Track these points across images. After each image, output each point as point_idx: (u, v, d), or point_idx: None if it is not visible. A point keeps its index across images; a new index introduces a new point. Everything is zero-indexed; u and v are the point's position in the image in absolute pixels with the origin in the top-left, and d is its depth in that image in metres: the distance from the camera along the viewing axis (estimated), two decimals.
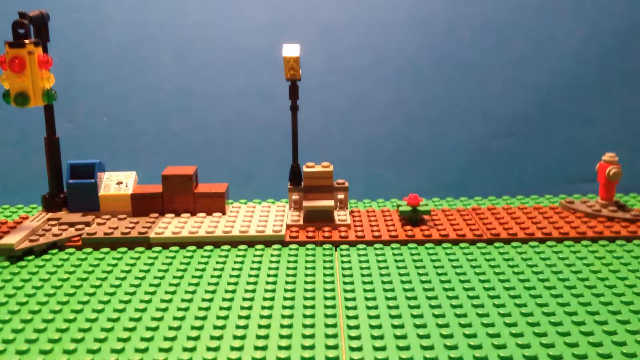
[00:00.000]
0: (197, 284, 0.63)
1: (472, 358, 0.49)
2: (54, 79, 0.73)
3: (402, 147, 1.18)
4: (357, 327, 0.54)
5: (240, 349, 0.51)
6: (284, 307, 0.57)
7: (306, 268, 0.66)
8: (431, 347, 0.50)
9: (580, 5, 1.15)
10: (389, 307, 0.57)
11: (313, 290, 0.61)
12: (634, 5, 1.15)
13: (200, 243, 0.73)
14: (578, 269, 0.65)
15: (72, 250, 0.72)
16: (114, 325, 0.55)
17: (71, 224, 0.77)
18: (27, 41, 0.70)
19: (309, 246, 0.73)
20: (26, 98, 0.70)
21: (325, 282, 0.63)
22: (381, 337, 0.52)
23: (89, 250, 0.72)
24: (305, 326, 0.54)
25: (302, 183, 0.81)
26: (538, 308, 0.57)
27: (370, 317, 0.55)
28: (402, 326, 0.53)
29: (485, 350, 0.50)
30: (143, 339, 0.52)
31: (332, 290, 0.61)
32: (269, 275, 0.65)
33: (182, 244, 0.73)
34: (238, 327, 0.54)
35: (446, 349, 0.50)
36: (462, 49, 1.16)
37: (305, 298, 0.59)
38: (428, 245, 0.73)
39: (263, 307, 0.57)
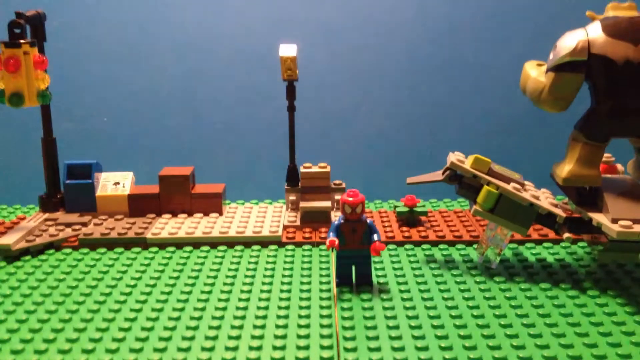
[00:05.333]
0: (193, 285, 0.63)
1: (467, 359, 0.49)
2: (49, 80, 0.73)
3: (400, 147, 1.18)
4: (352, 327, 0.54)
5: (235, 349, 0.51)
6: (280, 308, 0.57)
7: (302, 269, 0.66)
8: (426, 348, 0.50)
9: (580, 4, 1.15)
10: (385, 308, 0.57)
11: (309, 290, 0.61)
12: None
13: (196, 244, 0.73)
14: (574, 271, 0.65)
15: (68, 250, 0.72)
16: (109, 326, 0.55)
17: (68, 225, 0.77)
18: (22, 41, 0.70)
19: (306, 247, 0.72)
20: (21, 98, 0.70)
21: (321, 283, 0.63)
22: (376, 338, 0.52)
23: (85, 250, 0.72)
24: (300, 326, 0.54)
25: (300, 184, 0.81)
26: (534, 309, 0.57)
27: (365, 318, 0.55)
28: (397, 327, 0.53)
29: (480, 352, 0.50)
30: (138, 339, 0.52)
31: (328, 290, 0.61)
32: (265, 276, 0.65)
33: (179, 244, 0.73)
34: (233, 327, 0.54)
35: (441, 350, 0.50)
36: (462, 49, 1.16)
37: (301, 299, 0.59)
38: (425, 246, 0.73)
39: (259, 308, 0.57)
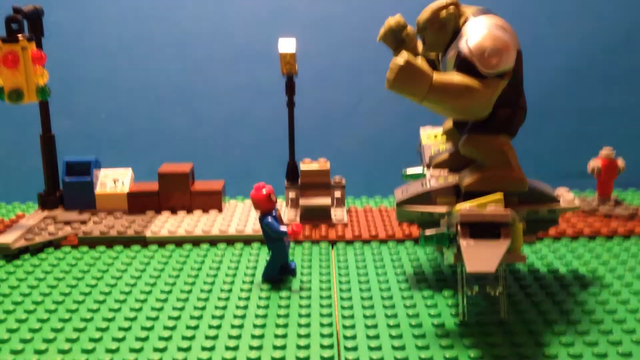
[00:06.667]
0: (193, 283, 0.63)
1: (467, 357, 0.49)
2: (48, 75, 0.73)
3: (400, 144, 1.17)
4: (352, 326, 0.53)
5: (236, 348, 0.50)
6: (280, 307, 0.57)
7: (302, 267, 0.66)
8: (427, 347, 0.50)
9: (580, 2, 1.14)
10: (385, 307, 0.57)
11: (309, 289, 0.61)
12: (634, 1, 1.14)
13: (196, 241, 0.73)
14: (574, 267, 0.65)
15: (68, 248, 0.72)
16: (109, 325, 0.54)
17: (67, 222, 0.77)
18: (20, 37, 0.69)
19: (305, 244, 0.72)
20: (20, 94, 0.69)
21: (321, 281, 0.63)
22: (377, 337, 0.52)
23: (85, 248, 0.72)
24: (300, 325, 0.54)
25: (299, 180, 0.81)
26: (532, 307, 0.56)
27: (365, 316, 0.55)
28: (397, 326, 0.53)
29: (481, 350, 0.50)
30: (138, 339, 0.52)
31: (328, 289, 0.61)
32: None
33: (179, 242, 0.73)
34: (234, 326, 0.54)
35: (441, 349, 0.50)
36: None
37: (301, 297, 0.59)
38: None
39: (258, 307, 0.57)
